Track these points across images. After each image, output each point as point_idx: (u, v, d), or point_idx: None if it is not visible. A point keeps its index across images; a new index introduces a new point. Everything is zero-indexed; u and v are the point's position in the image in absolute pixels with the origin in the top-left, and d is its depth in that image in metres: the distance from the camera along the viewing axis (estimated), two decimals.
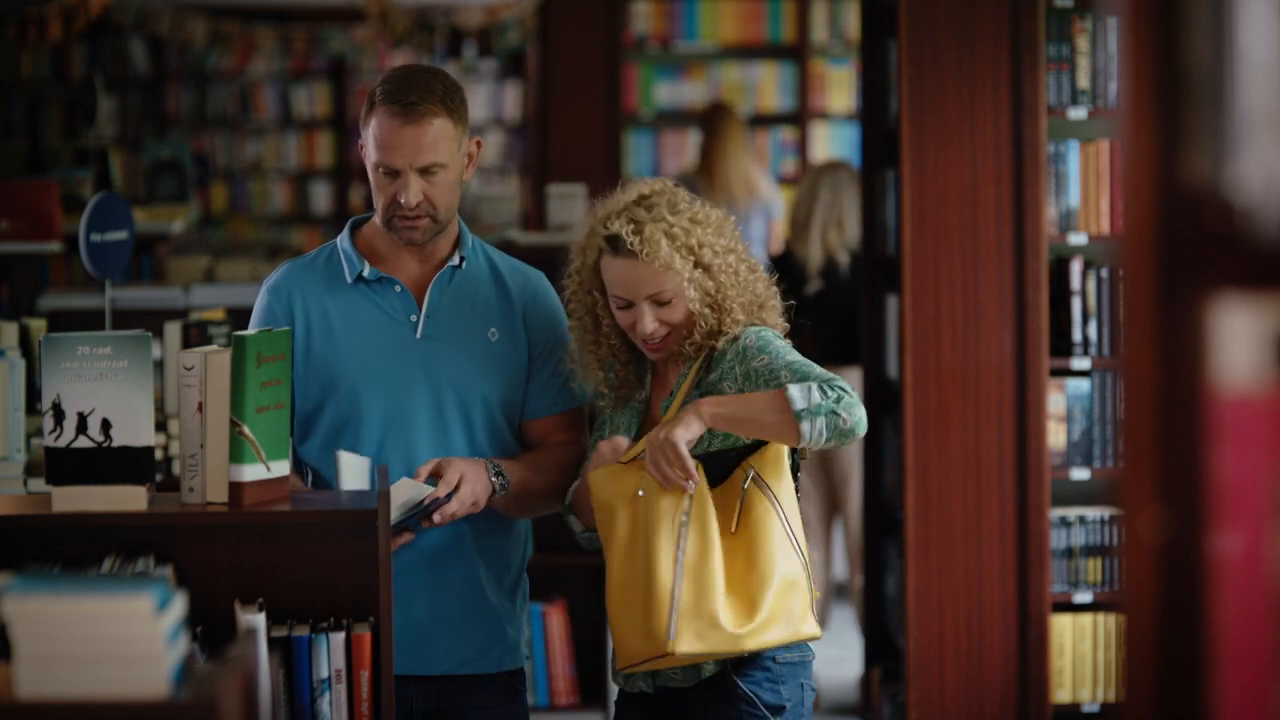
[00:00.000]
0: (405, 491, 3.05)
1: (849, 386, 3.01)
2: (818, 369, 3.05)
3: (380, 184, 3.15)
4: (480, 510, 3.14)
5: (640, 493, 3.05)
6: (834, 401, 2.96)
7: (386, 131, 3.12)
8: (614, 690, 3.34)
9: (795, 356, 3.09)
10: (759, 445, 3.10)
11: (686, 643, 2.99)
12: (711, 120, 7.79)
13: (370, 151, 3.16)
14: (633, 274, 3.12)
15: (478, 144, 3.26)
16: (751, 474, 3.09)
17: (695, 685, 3.13)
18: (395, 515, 3.00)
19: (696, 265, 3.12)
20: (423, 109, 3.11)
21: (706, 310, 3.13)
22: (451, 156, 3.16)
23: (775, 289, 3.23)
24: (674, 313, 3.13)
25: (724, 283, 3.13)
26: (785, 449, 3.10)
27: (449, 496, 3.06)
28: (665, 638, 2.98)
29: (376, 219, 3.21)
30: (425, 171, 3.13)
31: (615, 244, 3.12)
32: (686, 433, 2.99)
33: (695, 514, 3.04)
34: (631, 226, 3.11)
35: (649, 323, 3.12)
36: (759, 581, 3.04)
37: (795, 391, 2.96)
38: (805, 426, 2.95)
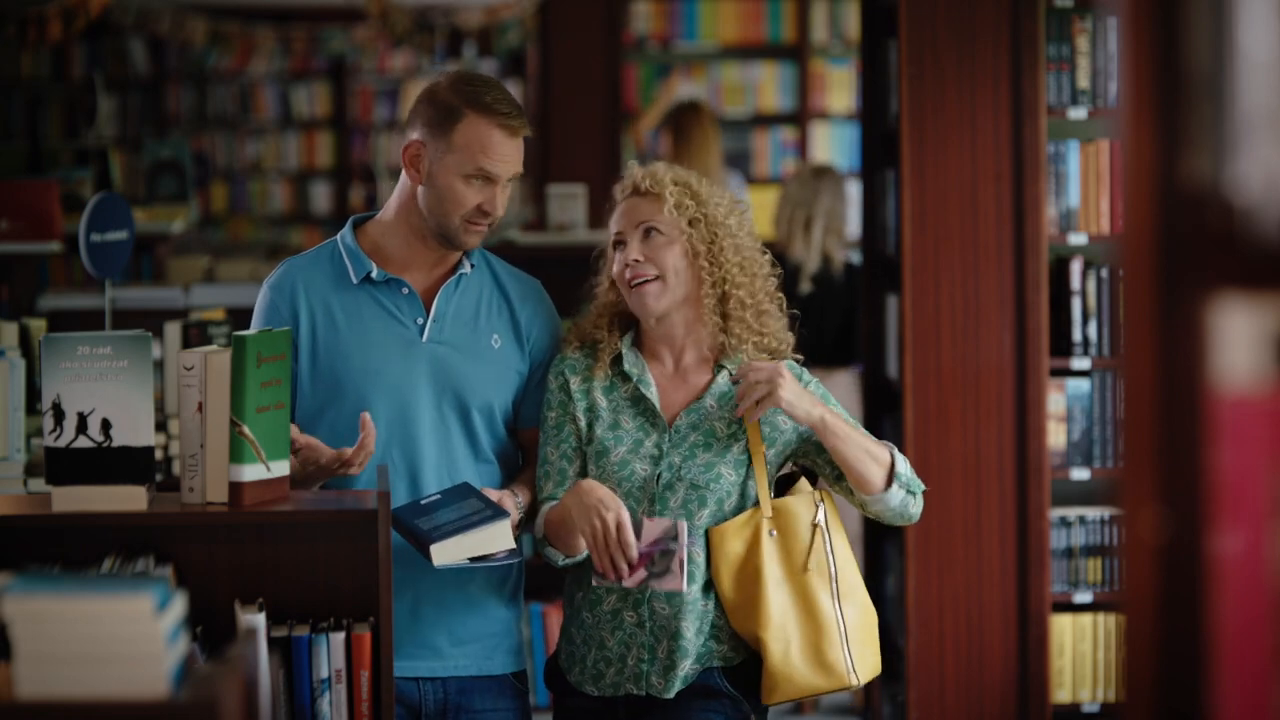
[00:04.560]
0: (482, 545, 3.06)
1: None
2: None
3: (465, 189, 3.18)
4: None
5: (772, 533, 3.10)
6: (916, 491, 3.15)
7: (493, 141, 3.17)
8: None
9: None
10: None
11: (864, 672, 3.13)
12: (683, 120, 7.71)
13: (461, 158, 3.18)
14: (633, 205, 3.19)
15: None
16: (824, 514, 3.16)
17: (675, 693, 3.12)
18: (459, 560, 3.04)
19: (696, 212, 3.16)
20: (520, 123, 3.20)
21: (704, 264, 3.15)
22: None
23: (778, 298, 3.26)
24: (662, 253, 3.16)
25: (719, 236, 3.16)
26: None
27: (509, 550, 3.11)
28: (844, 671, 3.10)
29: (429, 221, 3.21)
30: (509, 181, 3.22)
31: (628, 187, 3.21)
32: (791, 395, 3.04)
33: (836, 543, 3.12)
34: (647, 170, 3.22)
35: (634, 249, 3.16)
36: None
37: (902, 465, 3.12)
38: (892, 490, 3.11)
